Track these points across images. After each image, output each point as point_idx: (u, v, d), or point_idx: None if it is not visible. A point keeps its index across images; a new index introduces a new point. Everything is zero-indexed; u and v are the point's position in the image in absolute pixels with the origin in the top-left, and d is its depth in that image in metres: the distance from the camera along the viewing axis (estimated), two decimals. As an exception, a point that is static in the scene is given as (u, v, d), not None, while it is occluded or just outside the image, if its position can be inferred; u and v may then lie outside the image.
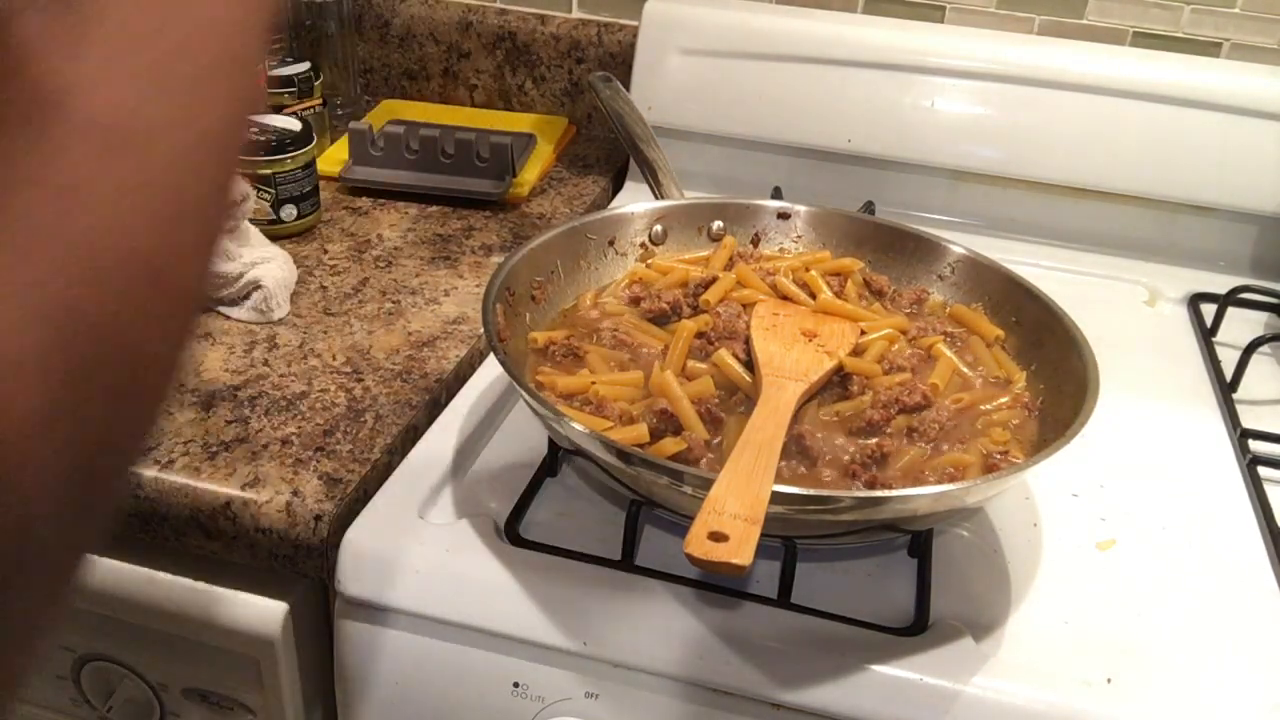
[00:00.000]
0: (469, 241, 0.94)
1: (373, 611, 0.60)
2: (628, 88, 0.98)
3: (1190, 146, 0.97)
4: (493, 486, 0.66)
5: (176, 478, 0.64)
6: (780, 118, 1.03)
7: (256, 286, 0.79)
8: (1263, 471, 0.71)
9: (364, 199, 1.01)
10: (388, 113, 1.16)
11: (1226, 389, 0.80)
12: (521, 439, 0.70)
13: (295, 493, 0.63)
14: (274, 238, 0.87)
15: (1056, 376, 0.67)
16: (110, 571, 0.67)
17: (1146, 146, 0.98)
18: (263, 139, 0.89)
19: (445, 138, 1.01)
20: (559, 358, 0.69)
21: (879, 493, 0.56)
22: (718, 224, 0.82)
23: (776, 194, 0.96)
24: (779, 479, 0.52)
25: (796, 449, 0.61)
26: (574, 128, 1.19)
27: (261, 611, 0.65)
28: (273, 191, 0.89)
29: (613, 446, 0.54)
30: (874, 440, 0.62)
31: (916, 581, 0.60)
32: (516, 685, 0.58)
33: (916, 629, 0.57)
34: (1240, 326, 0.89)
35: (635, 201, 0.80)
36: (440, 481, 0.66)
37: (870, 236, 0.81)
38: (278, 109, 0.99)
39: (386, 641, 0.60)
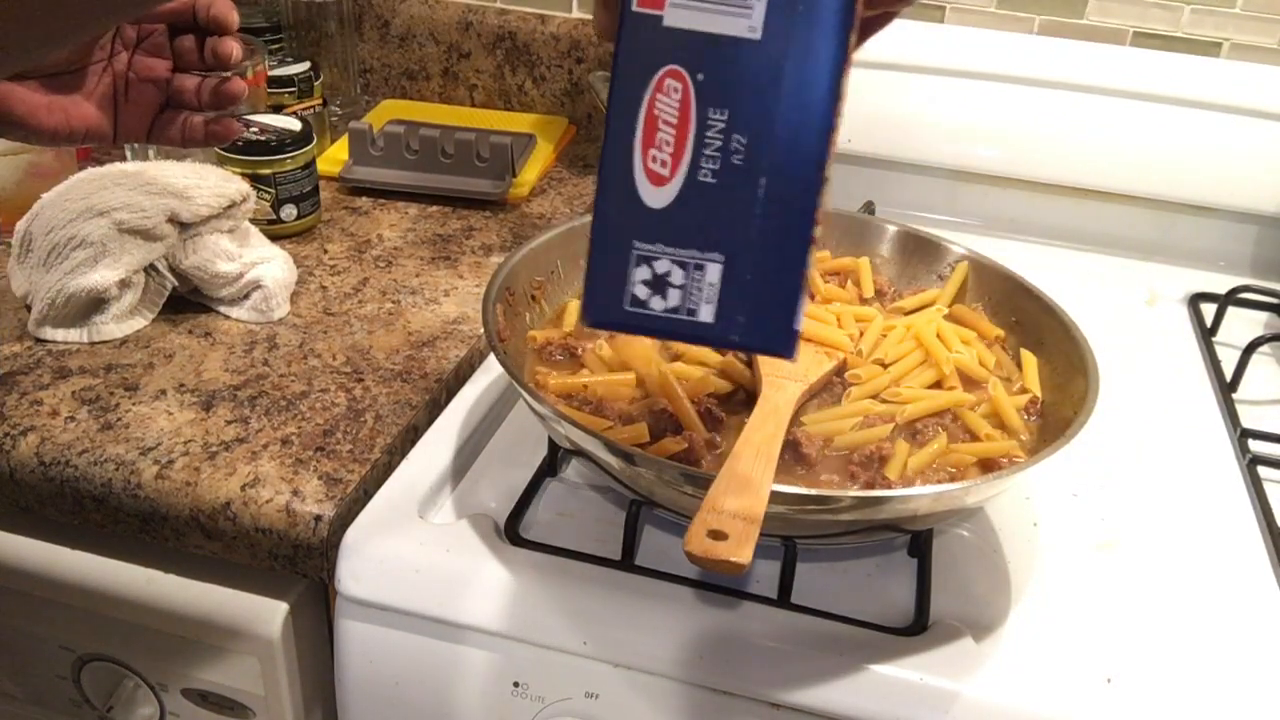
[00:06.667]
0: (469, 241, 0.94)
1: (373, 611, 0.60)
2: (628, 88, 0.98)
3: (1190, 146, 0.97)
4: (493, 486, 0.66)
5: (176, 478, 0.64)
6: (780, 118, 1.03)
7: (256, 286, 0.79)
8: (1263, 471, 0.71)
9: (364, 199, 1.01)
10: (388, 113, 1.16)
11: (1226, 389, 0.80)
12: (521, 439, 0.70)
13: (295, 493, 0.63)
14: (274, 238, 0.87)
15: (1057, 376, 0.67)
16: (110, 571, 0.67)
17: (1146, 146, 0.98)
18: (263, 139, 0.89)
19: (445, 138, 1.01)
20: (557, 357, 0.69)
21: (879, 493, 0.56)
22: (718, 224, 0.82)
23: (776, 194, 0.96)
24: (779, 478, 0.52)
25: (796, 449, 0.61)
26: (574, 128, 1.19)
27: (261, 611, 0.65)
28: (273, 191, 0.89)
29: (613, 446, 0.54)
30: (874, 440, 0.62)
31: (916, 581, 0.60)
32: (516, 685, 0.58)
33: (916, 629, 0.57)
34: (1240, 326, 0.89)
35: (635, 201, 0.80)
36: (440, 481, 0.66)
37: (871, 236, 0.81)
38: (278, 109, 0.99)
39: (386, 641, 0.60)
